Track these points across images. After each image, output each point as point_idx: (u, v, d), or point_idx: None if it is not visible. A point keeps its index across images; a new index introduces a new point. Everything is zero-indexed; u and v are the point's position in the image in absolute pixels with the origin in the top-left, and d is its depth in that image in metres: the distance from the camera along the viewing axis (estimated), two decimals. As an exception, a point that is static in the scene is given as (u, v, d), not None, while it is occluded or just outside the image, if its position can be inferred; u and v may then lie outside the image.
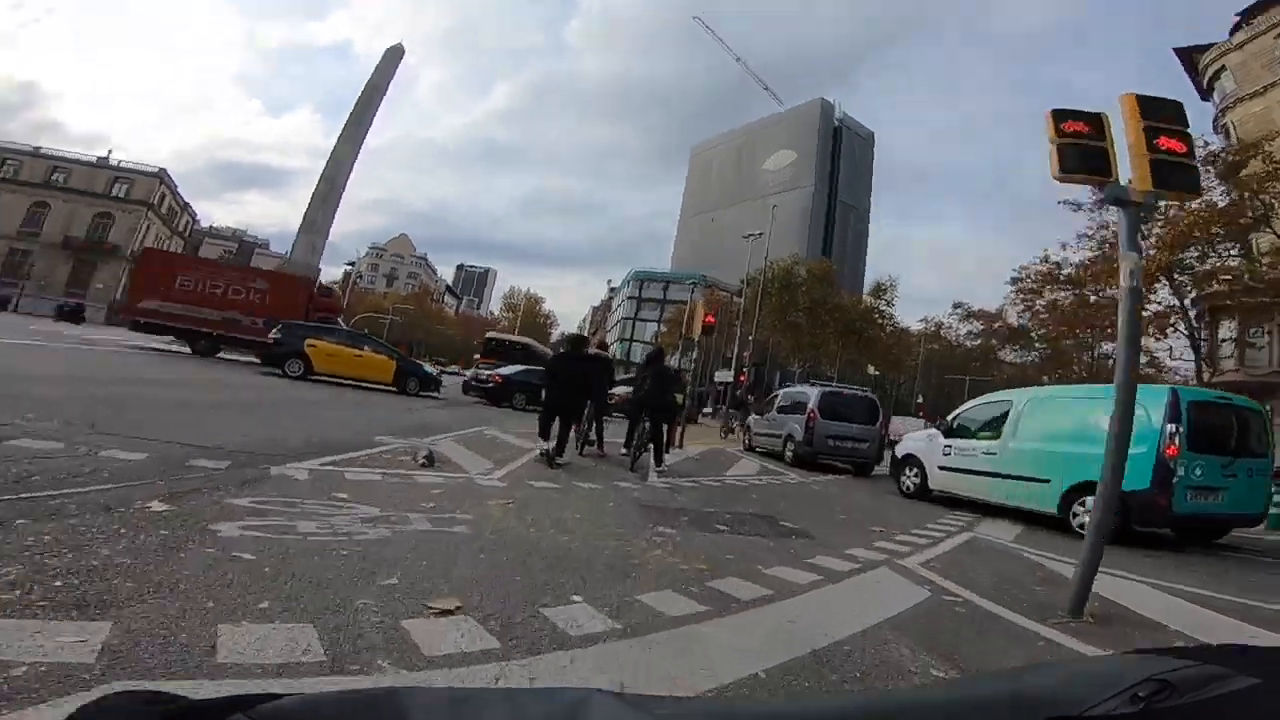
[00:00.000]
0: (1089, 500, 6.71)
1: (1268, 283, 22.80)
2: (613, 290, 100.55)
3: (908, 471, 9.77)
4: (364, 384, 16.82)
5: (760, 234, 37.31)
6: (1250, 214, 22.19)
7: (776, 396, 16.00)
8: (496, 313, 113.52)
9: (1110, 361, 37.82)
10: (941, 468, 9.13)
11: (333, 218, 34.71)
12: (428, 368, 22.55)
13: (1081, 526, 6.72)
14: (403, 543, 3.35)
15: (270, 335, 17.65)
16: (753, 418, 16.78)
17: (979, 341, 56.15)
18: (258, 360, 17.99)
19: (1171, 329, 25.13)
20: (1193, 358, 26.49)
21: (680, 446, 12.35)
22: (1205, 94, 33.24)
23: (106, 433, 4.94)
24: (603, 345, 13.21)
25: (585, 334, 9.03)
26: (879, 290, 41.77)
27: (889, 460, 10.83)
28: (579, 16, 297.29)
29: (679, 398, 10.08)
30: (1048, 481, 7.42)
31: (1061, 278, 29.28)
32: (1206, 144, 21.98)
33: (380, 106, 37.28)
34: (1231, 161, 22.84)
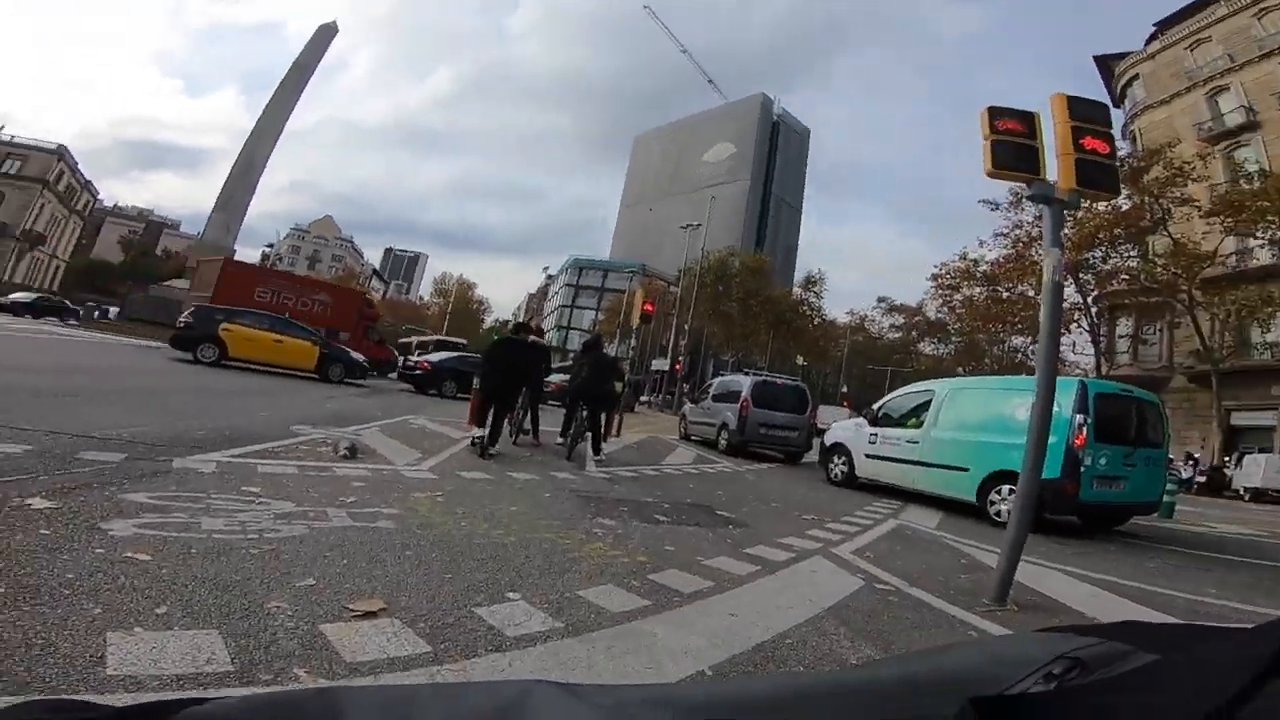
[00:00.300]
0: (1004, 489, 7.00)
1: (1161, 283, 24.83)
2: (550, 277, 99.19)
3: (836, 460, 9.93)
4: (284, 370, 15.92)
5: (698, 225, 37.74)
6: (1149, 218, 24.08)
7: (711, 385, 16.06)
8: (426, 298, 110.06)
9: (1019, 355, 40.76)
10: (868, 455, 9.31)
11: (250, 197, 33.04)
12: (354, 354, 21.59)
13: (998, 514, 6.96)
14: (320, 540, 3.11)
15: (180, 319, 16.42)
16: (688, 406, 16.83)
17: (900, 334, 59.10)
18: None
19: (1075, 325, 27.10)
20: (1092, 352, 28.73)
21: (618, 435, 12.28)
22: (1118, 101, 35.76)
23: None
24: (538, 331, 12.67)
25: (526, 321, 8.61)
26: (809, 283, 43.19)
27: (818, 449, 11.08)
28: (524, 4, 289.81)
29: (618, 386, 9.97)
30: (966, 470, 7.62)
31: (978, 274, 30.92)
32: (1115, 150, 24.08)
33: (308, 85, 34.89)
34: (1136, 167, 24.78)
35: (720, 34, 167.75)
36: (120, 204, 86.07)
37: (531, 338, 9.67)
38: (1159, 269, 24.64)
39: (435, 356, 19.71)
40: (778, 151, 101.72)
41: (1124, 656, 0.57)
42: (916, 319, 53.14)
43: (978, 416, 7.97)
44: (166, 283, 30.42)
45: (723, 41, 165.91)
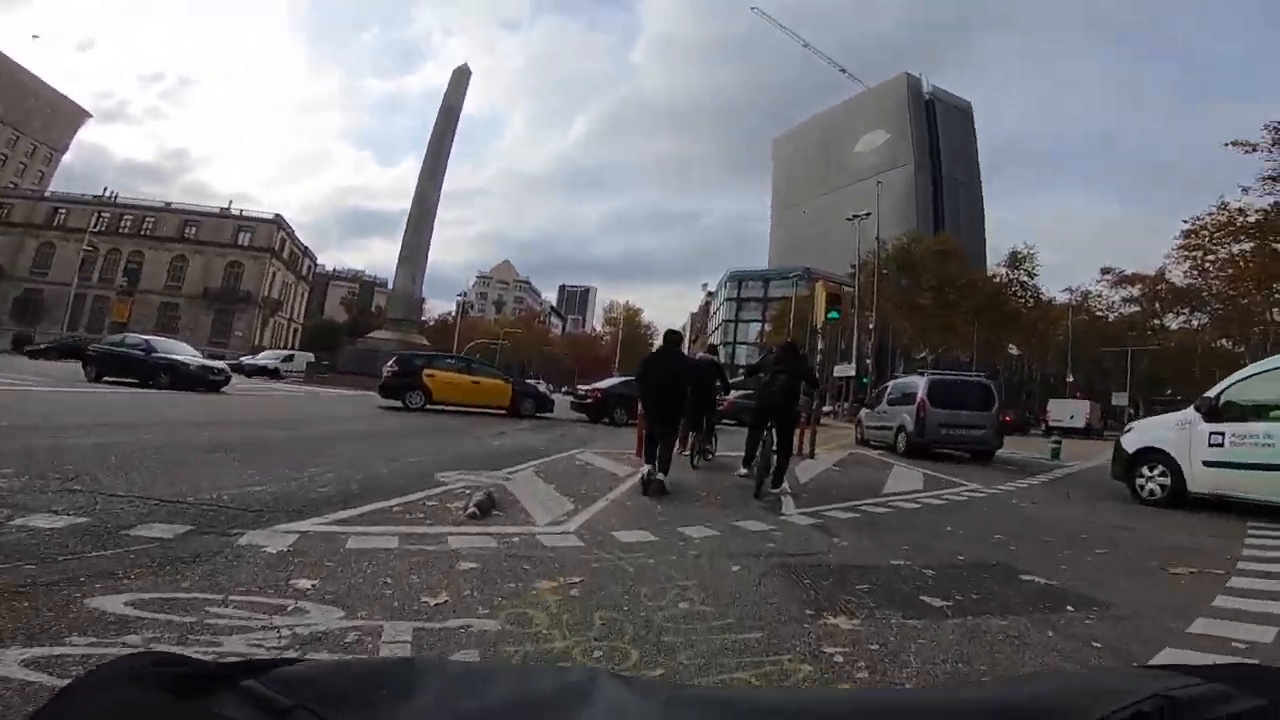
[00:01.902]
0: None
1: None
2: (710, 294, 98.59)
3: (1148, 472, 7.47)
4: (482, 409, 16.19)
5: (867, 214, 34.17)
6: None
7: (886, 389, 15.44)
8: (599, 328, 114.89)
9: None
10: (1210, 463, 6.86)
11: (428, 244, 35.03)
12: (542, 388, 21.77)
13: None
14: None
15: (386, 368, 17.41)
16: (864, 412, 16.22)
17: (1137, 308, 49.10)
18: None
19: None
20: None
21: (812, 456, 10.21)
22: None
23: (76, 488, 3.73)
24: (712, 349, 11.71)
25: (678, 329, 7.75)
26: (1016, 260, 36.72)
27: (1112, 459, 8.38)
28: (642, 40, 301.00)
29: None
30: None
31: (1245, 226, 24.40)
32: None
33: (458, 126, 37.30)
34: None
35: (845, 23, 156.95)
36: (338, 268, 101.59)
37: (702, 354, 9.45)
38: None
39: (605, 383, 19.09)
40: (938, 131, 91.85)
41: (1225, 699, 0.52)
42: (1159, 288, 43.62)
43: None
44: (371, 334, 33.65)
45: (849, 30, 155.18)
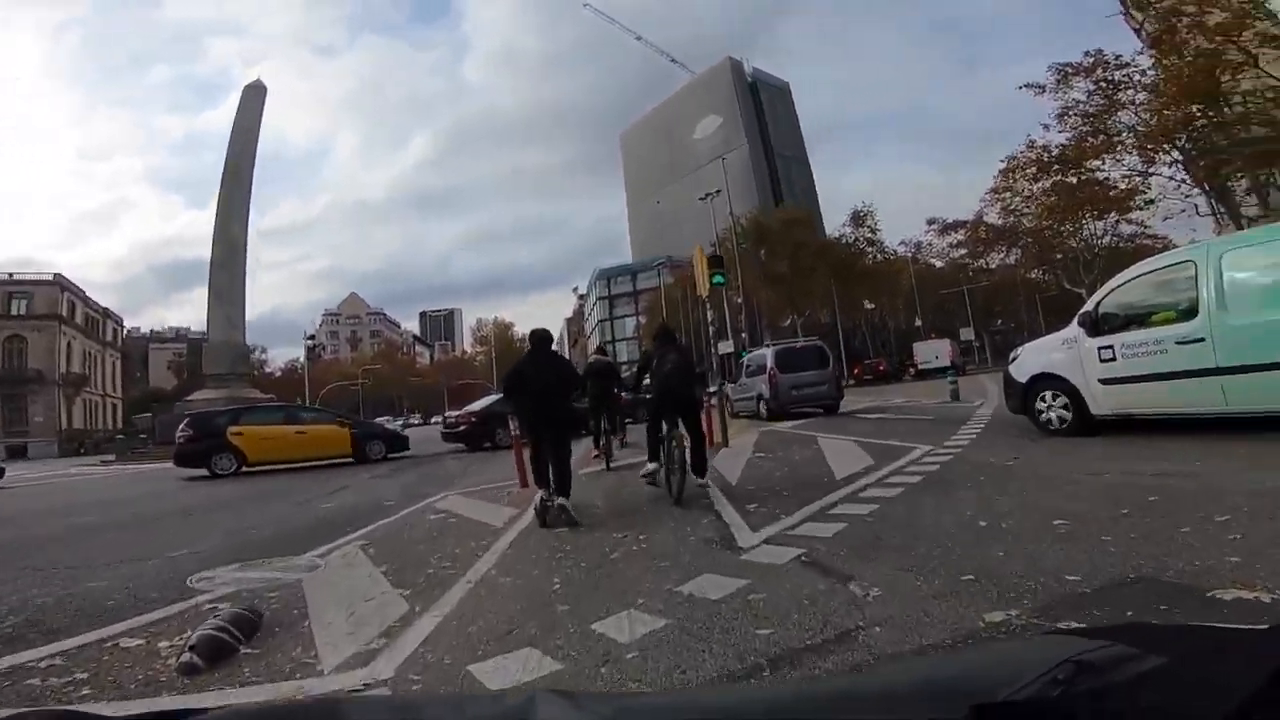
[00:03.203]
0: None
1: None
2: (581, 297, 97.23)
3: (1047, 400, 6.86)
4: (318, 462, 13.45)
5: (718, 192, 34.22)
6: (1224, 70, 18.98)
7: (744, 363, 16.49)
8: (470, 350, 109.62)
9: (1103, 238, 35.74)
10: (1108, 379, 6.25)
11: (243, 283, 30.23)
12: (392, 425, 18.91)
13: None
14: None
15: (178, 433, 13.91)
16: (728, 386, 16.66)
17: (964, 251, 53.64)
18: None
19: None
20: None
21: (726, 444, 8.83)
22: None
23: None
24: (601, 350, 11.38)
25: (546, 329, 5.85)
26: (859, 219, 38.46)
27: (1002, 389, 7.97)
28: (475, 56, 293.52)
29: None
30: None
31: (1052, 161, 26.62)
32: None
33: (257, 147, 32.68)
34: (1168, 26, 20.65)
35: (670, 18, 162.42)
36: (157, 328, 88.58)
37: (593, 356, 9.65)
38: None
39: (479, 404, 16.77)
40: (764, 110, 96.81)
41: (1131, 660, 0.55)
42: (980, 230, 47.70)
43: None
44: (192, 396, 28.58)
45: (676, 24, 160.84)
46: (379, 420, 20.23)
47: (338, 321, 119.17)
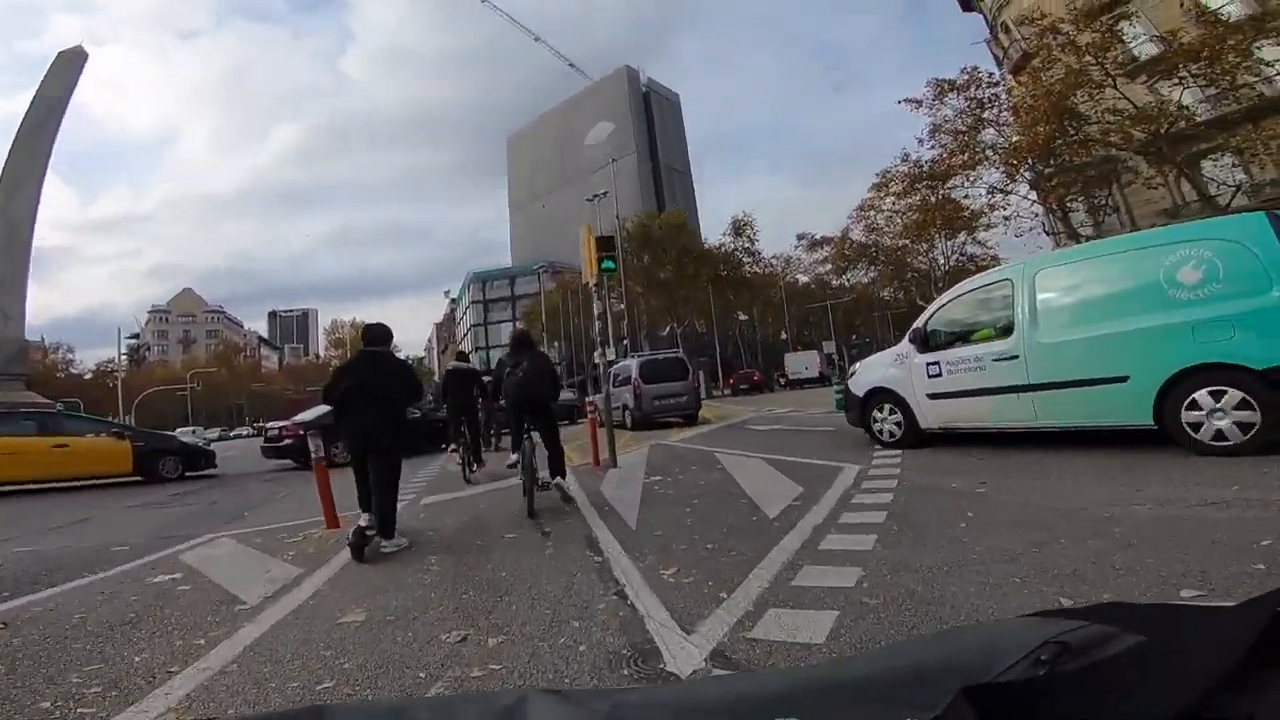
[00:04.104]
0: (1203, 394, 4.70)
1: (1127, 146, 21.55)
2: (453, 301, 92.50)
3: (881, 414, 7.06)
4: (85, 482, 10.97)
5: (605, 193, 33.10)
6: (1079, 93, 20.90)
7: (611, 375, 16.49)
8: (323, 354, 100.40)
9: (952, 257, 38.98)
10: (935, 395, 6.49)
11: (25, 270, 24.69)
12: (190, 437, 15.56)
13: (1214, 436, 4.68)
14: None
15: None
16: (594, 396, 16.42)
17: (829, 267, 56.52)
18: None
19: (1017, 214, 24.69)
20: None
21: (615, 463, 7.33)
22: (968, 6, 33.91)
23: None
24: (461, 356, 10.32)
25: (385, 325, 4.79)
26: (739, 228, 38.77)
27: (839, 403, 8.74)
28: (355, 50, 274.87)
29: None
30: (1123, 380, 5.15)
31: (922, 172, 28.03)
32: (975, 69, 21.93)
33: (62, 121, 27.18)
34: (1025, 53, 22.47)
35: (568, 26, 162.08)
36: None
37: (455, 363, 9.31)
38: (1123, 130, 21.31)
39: (309, 414, 14.02)
40: (654, 121, 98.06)
41: (1110, 639, 0.56)
42: (845, 247, 50.32)
43: (1109, 294, 5.40)
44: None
45: (572, 31, 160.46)
46: (181, 432, 16.63)
47: (167, 320, 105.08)
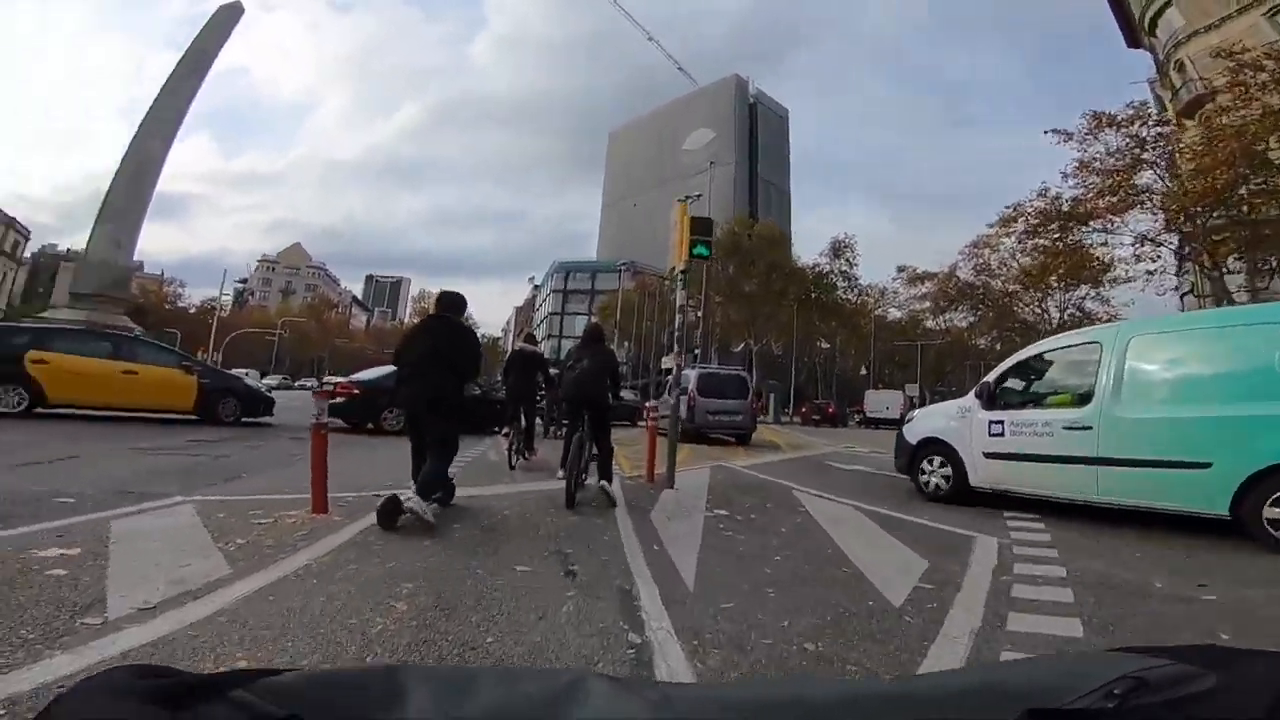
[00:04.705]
0: None
1: None
2: (536, 288, 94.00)
3: (929, 465, 6.74)
4: (146, 414, 10.49)
5: (698, 195, 31.87)
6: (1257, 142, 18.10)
7: (668, 382, 16.89)
8: (407, 320, 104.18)
9: (1067, 311, 35.62)
10: (991, 454, 6.20)
11: (146, 205, 26.04)
12: (253, 381, 15.44)
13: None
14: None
15: None
16: (649, 402, 16.34)
17: (928, 304, 53.19)
18: None
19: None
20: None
21: (672, 485, 6.11)
22: (1140, 37, 30.79)
23: None
24: (530, 339, 10.11)
25: (459, 294, 4.66)
26: (838, 249, 36.43)
27: (895, 448, 7.64)
28: (485, 35, 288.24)
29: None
30: (1206, 466, 4.73)
31: (1061, 211, 25.31)
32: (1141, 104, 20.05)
33: (207, 72, 28.67)
34: (1198, 96, 19.77)
35: (681, 31, 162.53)
36: (74, 249, 80.00)
37: (522, 345, 9.08)
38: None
39: (368, 373, 13.50)
40: (758, 133, 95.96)
41: (1188, 679, 0.55)
42: (950, 285, 47.00)
43: (1208, 372, 5.05)
44: (44, 313, 24.08)
45: (689, 31, 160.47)
46: (239, 373, 16.55)
47: (273, 270, 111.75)
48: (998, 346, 45.08)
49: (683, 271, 6.85)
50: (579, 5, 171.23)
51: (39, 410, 9.64)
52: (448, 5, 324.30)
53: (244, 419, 11.43)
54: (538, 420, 9.99)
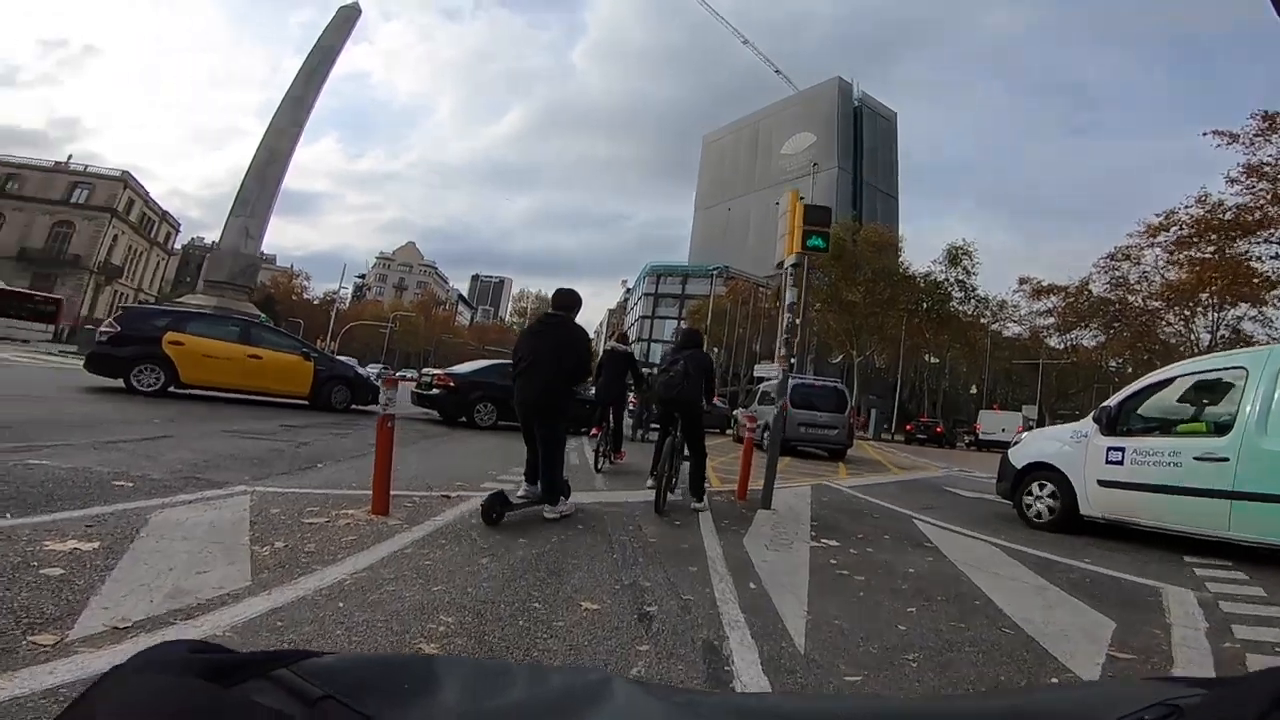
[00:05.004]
0: None
1: None
2: (628, 290, 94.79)
3: (1036, 490, 6.30)
4: (264, 397, 10.84)
5: (801, 198, 30.40)
6: None
7: (757, 390, 16.41)
8: (508, 319, 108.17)
9: (1220, 329, 31.36)
10: (1106, 482, 5.72)
11: (274, 197, 28.11)
12: (364, 369, 15.92)
13: None
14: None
15: (101, 328, 11.18)
16: (738, 410, 16.76)
17: (1052, 320, 48.64)
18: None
19: None
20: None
21: (769, 505, 5.37)
22: None
23: None
24: (623, 338, 8.97)
25: (574, 290, 4.63)
26: (955, 256, 33.57)
27: (999, 471, 7.14)
28: (584, 41, 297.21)
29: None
30: None
31: (1224, 221, 22.22)
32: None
33: (330, 71, 30.78)
34: None
35: (778, 35, 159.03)
36: (211, 239, 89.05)
37: (612, 343, 8.52)
38: None
39: (464, 367, 13.56)
40: (863, 138, 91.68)
41: (1227, 709, 0.54)
42: (1081, 299, 42.55)
43: None
44: (181, 298, 26.45)
45: (784, 37, 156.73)
46: (347, 361, 17.12)
47: (389, 266, 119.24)
48: (1130, 369, 40.61)
49: (793, 265, 6.07)
50: (675, 12, 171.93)
51: (175, 390, 10.02)
52: (550, 13, 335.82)
53: (353, 406, 11.65)
54: (626, 422, 9.66)
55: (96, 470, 3.88)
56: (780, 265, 6.52)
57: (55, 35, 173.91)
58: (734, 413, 17.33)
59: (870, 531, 4.91)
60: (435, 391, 12.16)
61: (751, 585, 3.10)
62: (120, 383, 9.72)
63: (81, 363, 11.49)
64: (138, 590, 2.11)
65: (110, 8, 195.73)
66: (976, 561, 4.14)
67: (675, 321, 71.58)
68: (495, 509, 3.81)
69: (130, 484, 3.63)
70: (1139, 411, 6.00)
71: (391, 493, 3.81)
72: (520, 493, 4.21)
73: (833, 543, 4.31)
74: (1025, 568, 4.09)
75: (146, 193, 58.32)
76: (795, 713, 0.62)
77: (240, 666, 0.47)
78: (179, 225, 69.84)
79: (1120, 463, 5.77)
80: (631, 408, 12.81)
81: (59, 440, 4.75)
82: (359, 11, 32.22)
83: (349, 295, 78.74)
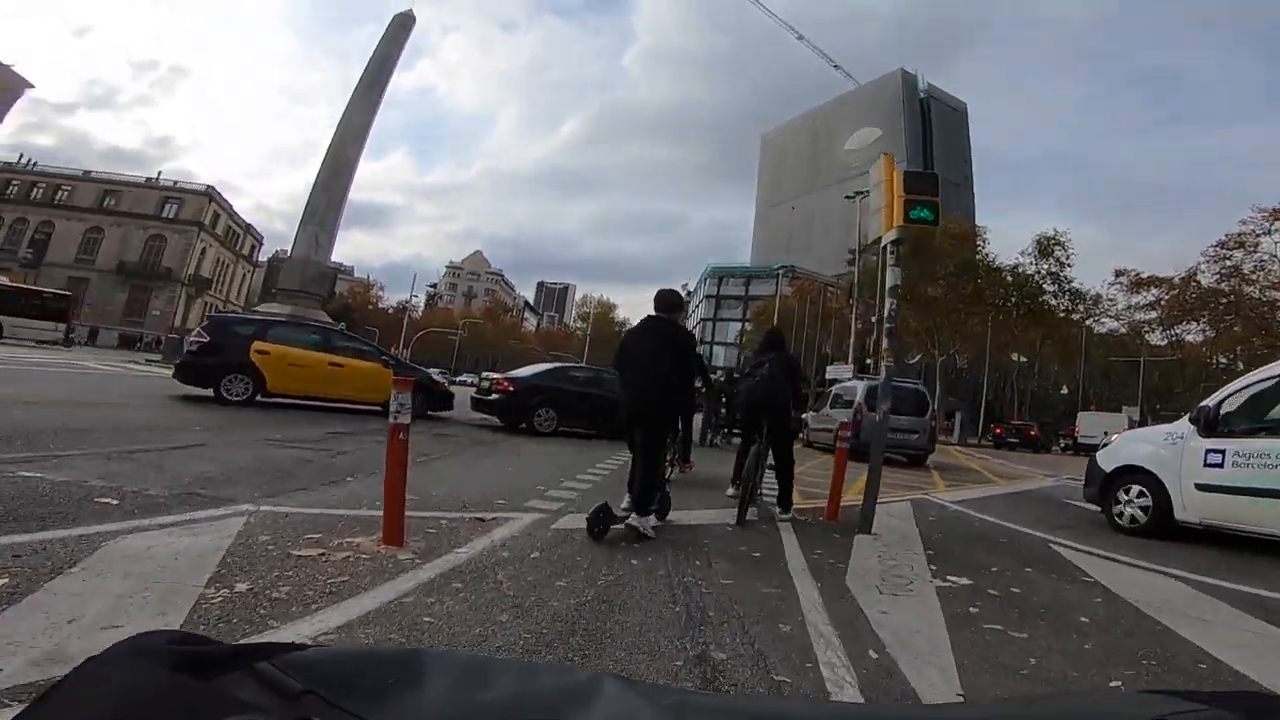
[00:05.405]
0: None
1: None
2: (689, 293, 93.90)
3: (1125, 494, 5.96)
4: (344, 405, 10.53)
5: (868, 192, 28.72)
6: None
7: (830, 393, 16.19)
8: (572, 325, 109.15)
9: None
10: (1205, 486, 5.45)
11: (342, 205, 28.91)
12: (436, 376, 15.73)
13: None
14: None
15: (191, 337, 11.28)
16: (809, 414, 16.40)
17: (1154, 314, 44.49)
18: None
19: None
20: None
21: (869, 529, 4.43)
22: None
23: None
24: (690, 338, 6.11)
25: (673, 289, 4.47)
26: (1045, 248, 30.78)
27: (1086, 474, 6.73)
28: (635, 46, 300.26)
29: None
30: None
31: None
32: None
33: (389, 79, 31.61)
34: None
35: (834, 31, 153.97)
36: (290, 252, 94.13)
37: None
38: None
39: (524, 371, 13.05)
40: (932, 130, 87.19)
41: None
42: (1188, 292, 38.53)
43: None
44: (258, 307, 27.47)
45: (841, 33, 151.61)
46: (428, 370, 17.00)
47: (458, 274, 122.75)
48: (1240, 365, 36.55)
49: (893, 241, 5.11)
50: (725, 12, 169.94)
51: (262, 399, 9.86)
52: (602, 22, 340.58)
53: (429, 412, 11.28)
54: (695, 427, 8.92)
55: (90, 484, 3.40)
56: (877, 243, 5.61)
57: (146, 57, 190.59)
58: (803, 416, 16.28)
59: (1005, 563, 3.89)
60: (494, 396, 11.67)
61: (872, 654, 2.23)
62: (209, 392, 9.62)
63: (170, 372, 11.58)
64: (3, 651, 1.48)
65: (192, 30, 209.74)
66: (1164, 603, 3.12)
67: (739, 324, 69.98)
68: (599, 524, 3.61)
69: (115, 501, 3.11)
70: (1241, 412, 5.72)
71: (415, 514, 3.16)
72: (624, 504, 4.02)
73: (963, 580, 3.34)
74: (1234, 608, 3.05)
75: (231, 206, 62.00)
76: (791, 715, 0.62)
77: (221, 659, 0.45)
78: (262, 238, 74.06)
79: (1220, 465, 5.58)
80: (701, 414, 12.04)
81: (75, 449, 4.37)
82: (413, 19, 32.85)
83: (421, 303, 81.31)
